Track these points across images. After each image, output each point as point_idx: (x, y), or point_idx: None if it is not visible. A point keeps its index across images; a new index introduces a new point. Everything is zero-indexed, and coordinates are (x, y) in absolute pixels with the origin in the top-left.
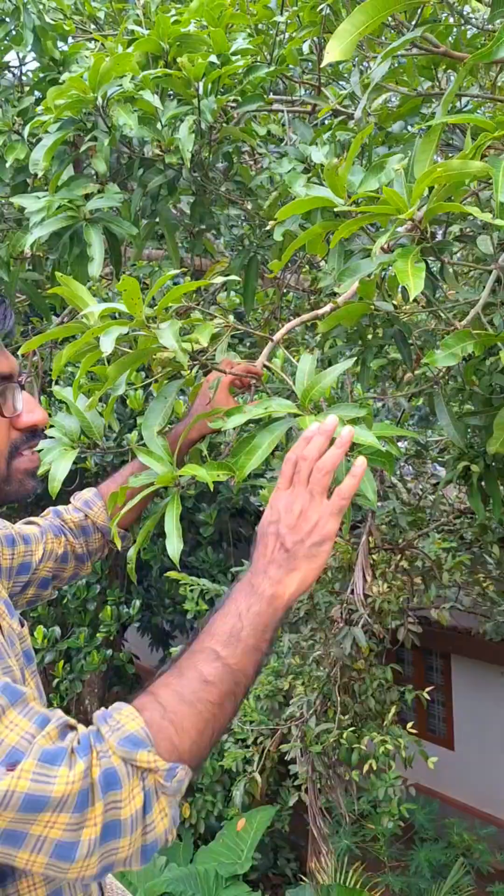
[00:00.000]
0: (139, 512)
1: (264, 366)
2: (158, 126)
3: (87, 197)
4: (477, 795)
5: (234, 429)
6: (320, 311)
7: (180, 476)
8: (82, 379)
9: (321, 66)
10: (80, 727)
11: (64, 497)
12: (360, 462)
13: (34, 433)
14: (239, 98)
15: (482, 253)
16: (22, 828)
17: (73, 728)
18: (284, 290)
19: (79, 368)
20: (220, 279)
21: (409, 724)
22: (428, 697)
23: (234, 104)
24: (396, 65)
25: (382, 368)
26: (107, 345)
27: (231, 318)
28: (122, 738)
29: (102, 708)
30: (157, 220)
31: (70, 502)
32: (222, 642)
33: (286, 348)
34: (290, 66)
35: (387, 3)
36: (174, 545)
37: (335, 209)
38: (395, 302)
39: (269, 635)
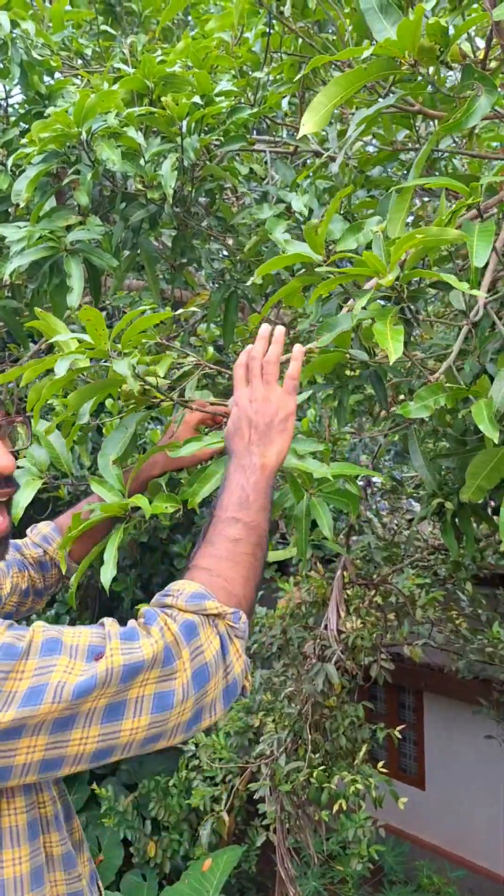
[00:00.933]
0: (96, 542)
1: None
2: (141, 162)
3: (69, 228)
4: (448, 837)
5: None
6: (291, 356)
7: (130, 506)
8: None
9: (298, 137)
10: (142, 608)
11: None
12: (297, 348)
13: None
14: (222, 138)
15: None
16: (121, 697)
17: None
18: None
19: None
20: (193, 309)
21: (381, 763)
22: (399, 736)
23: (217, 143)
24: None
25: (360, 404)
26: (60, 369)
27: (210, 349)
28: (187, 598)
29: (157, 594)
30: (138, 252)
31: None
32: (236, 509)
33: None
34: (272, 108)
35: (359, 76)
36: (108, 573)
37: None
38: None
39: (269, 496)
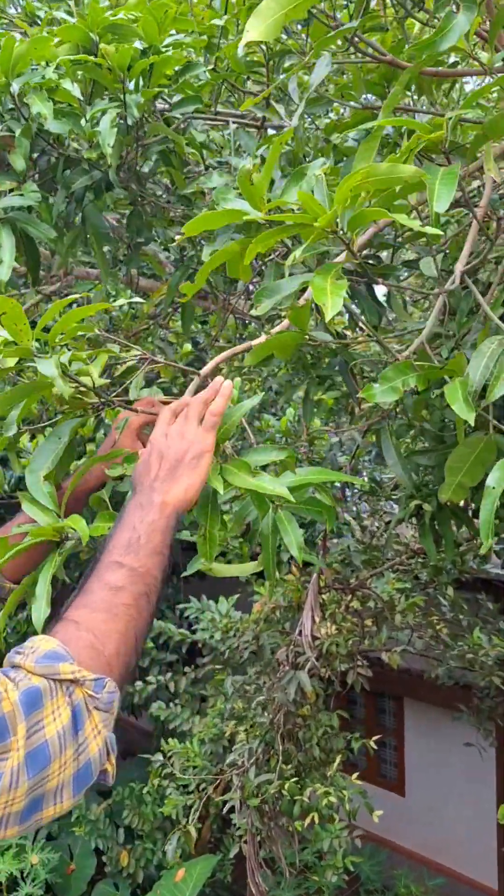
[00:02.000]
0: (36, 563)
1: None
2: (82, 122)
3: (1, 195)
4: (427, 844)
5: None
6: (255, 342)
7: (65, 529)
8: None
9: (241, 45)
10: None
11: None
12: (227, 384)
13: None
14: (170, 99)
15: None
16: None
17: None
18: (241, 319)
19: None
20: (122, 302)
21: (355, 775)
22: (375, 746)
23: (166, 105)
24: (344, 76)
25: (337, 401)
26: None
27: (188, 345)
28: (39, 657)
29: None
30: (86, 226)
31: None
32: (122, 552)
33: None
34: (240, 74)
35: None
36: (40, 610)
37: (254, 221)
38: (341, 330)
39: (166, 540)
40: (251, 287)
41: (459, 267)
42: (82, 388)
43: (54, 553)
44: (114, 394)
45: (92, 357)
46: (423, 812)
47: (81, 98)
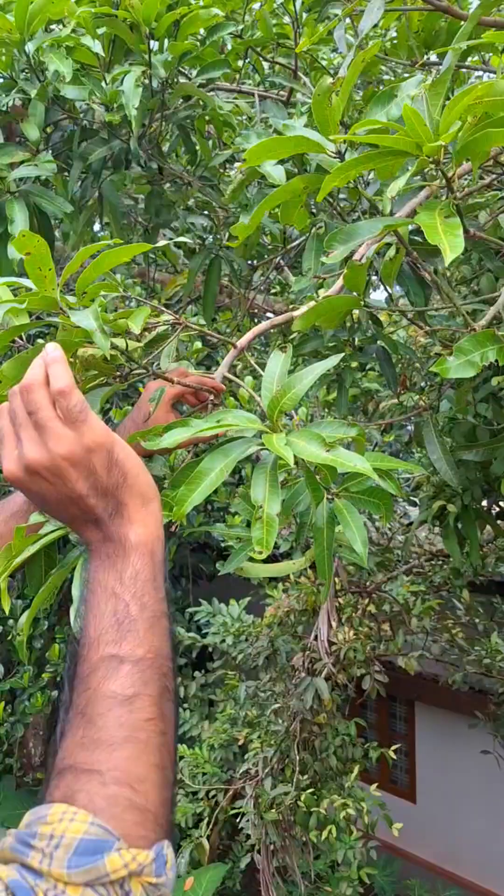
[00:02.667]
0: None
1: (225, 378)
2: (103, 84)
3: (14, 167)
4: (440, 853)
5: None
6: (296, 313)
7: None
8: None
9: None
10: (1, 870)
11: None
12: (50, 346)
13: None
14: (192, 67)
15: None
16: None
17: None
18: (252, 312)
19: None
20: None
21: (373, 786)
22: (394, 756)
23: (187, 79)
24: (388, 38)
25: (354, 399)
26: None
27: (198, 343)
28: (71, 856)
29: (11, 830)
30: (101, 203)
31: None
32: (113, 638)
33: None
34: (267, 43)
35: None
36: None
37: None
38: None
39: (160, 591)
40: (271, 277)
41: None
42: (112, 352)
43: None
44: (146, 360)
45: (124, 316)
46: (436, 820)
47: (103, 55)
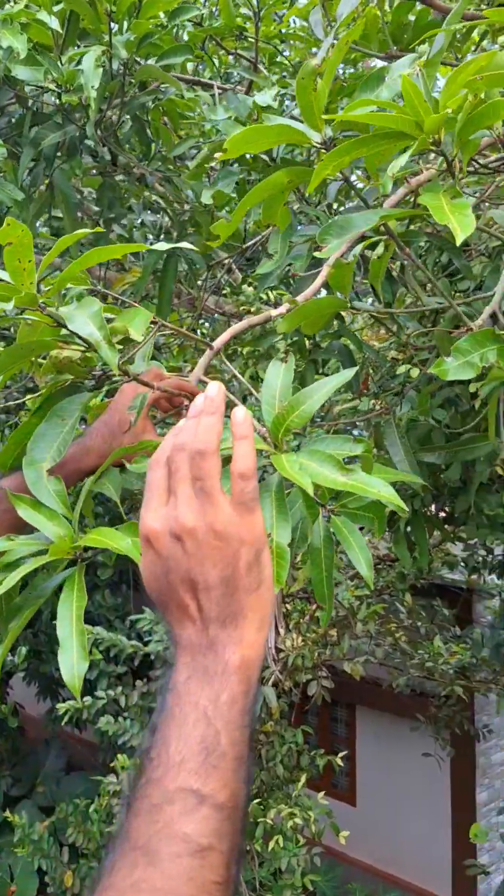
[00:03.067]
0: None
1: (200, 381)
2: (59, 65)
3: None
4: (381, 855)
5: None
6: (274, 312)
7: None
8: None
9: None
10: None
11: None
12: (240, 414)
13: None
14: (156, 51)
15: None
16: None
17: None
18: (202, 316)
19: None
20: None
21: (320, 794)
22: (341, 764)
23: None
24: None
25: None
26: None
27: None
28: None
29: None
30: (53, 192)
31: None
32: (197, 769)
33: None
34: (227, 33)
35: None
36: (72, 667)
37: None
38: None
39: (249, 728)
40: (223, 280)
41: None
42: (89, 354)
43: (77, 572)
44: (121, 361)
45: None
46: (377, 823)
47: (60, 31)
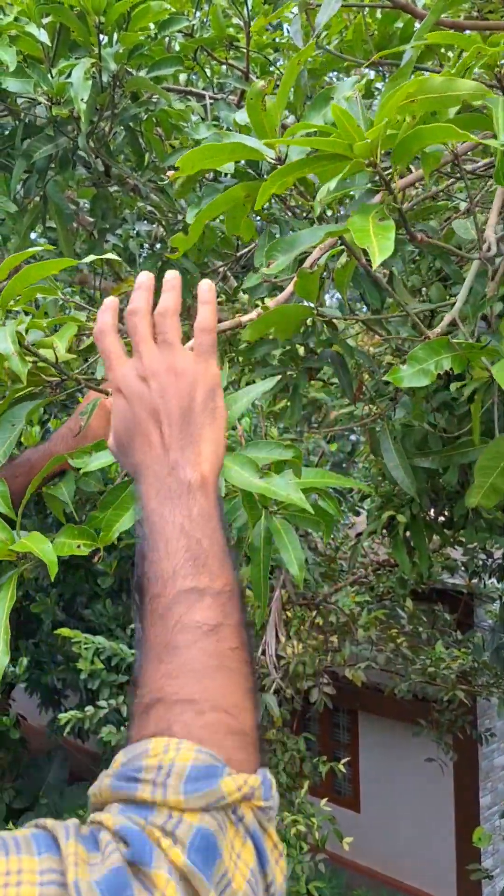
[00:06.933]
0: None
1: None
2: (49, 77)
3: None
4: (384, 860)
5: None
6: (244, 318)
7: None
8: None
9: None
10: (100, 817)
11: None
12: (204, 285)
13: None
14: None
15: (460, 240)
16: None
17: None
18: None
19: None
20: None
21: (323, 801)
22: (344, 770)
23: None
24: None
25: (304, 408)
26: None
27: None
28: (185, 783)
29: (107, 771)
30: (46, 204)
31: None
32: (192, 572)
33: None
34: (218, 43)
35: None
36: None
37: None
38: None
39: (223, 526)
40: (218, 288)
41: (491, 233)
42: (42, 363)
43: (12, 577)
44: (79, 370)
45: (54, 326)
46: (380, 828)
47: (49, 44)
